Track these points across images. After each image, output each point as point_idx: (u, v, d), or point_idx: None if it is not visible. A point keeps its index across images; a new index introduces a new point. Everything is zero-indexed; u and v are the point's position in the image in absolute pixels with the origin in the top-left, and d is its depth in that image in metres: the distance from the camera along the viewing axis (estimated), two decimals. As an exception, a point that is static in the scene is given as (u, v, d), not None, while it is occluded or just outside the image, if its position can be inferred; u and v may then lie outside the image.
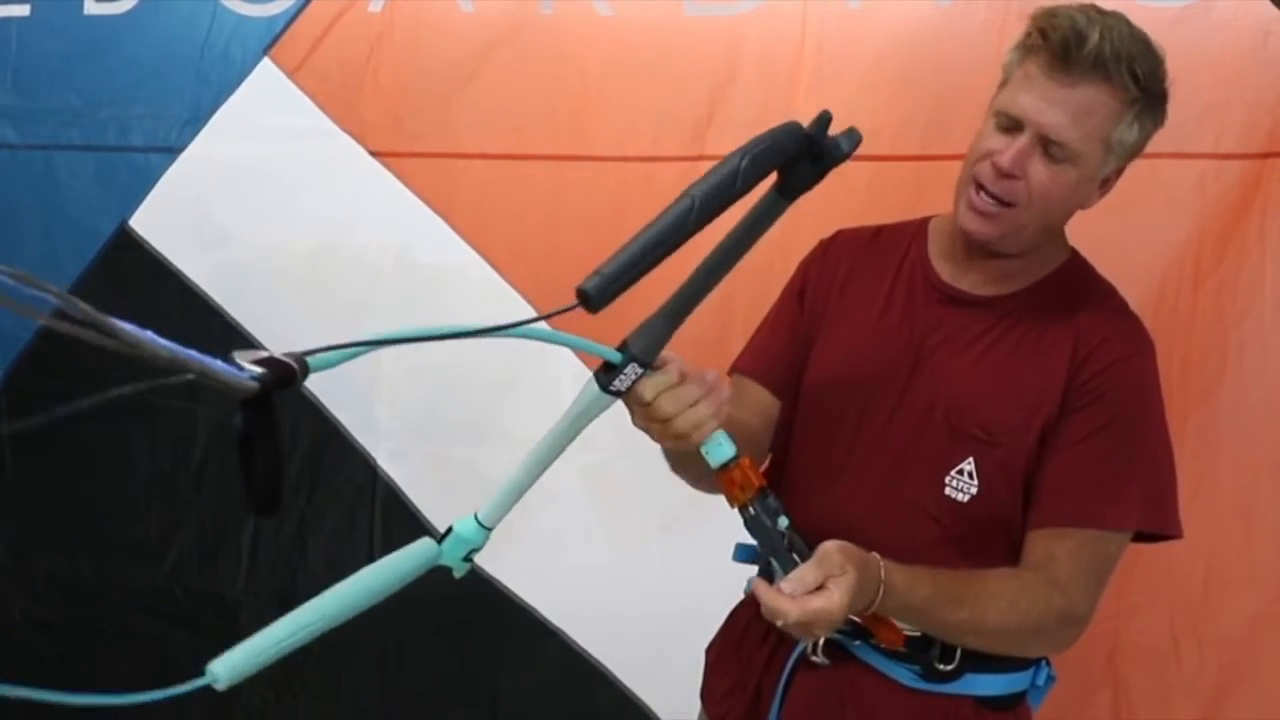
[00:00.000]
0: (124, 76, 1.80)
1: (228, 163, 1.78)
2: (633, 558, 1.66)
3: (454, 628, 1.78)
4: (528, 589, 1.72)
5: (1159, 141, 1.51)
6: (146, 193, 1.80)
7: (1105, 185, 1.02)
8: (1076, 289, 1.04)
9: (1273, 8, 1.45)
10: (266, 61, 1.75)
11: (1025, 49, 0.99)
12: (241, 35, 1.76)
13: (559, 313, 0.70)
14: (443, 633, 1.78)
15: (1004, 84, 1.01)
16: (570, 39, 1.68)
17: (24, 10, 1.82)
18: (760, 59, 1.63)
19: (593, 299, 0.66)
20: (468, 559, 0.82)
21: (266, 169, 1.78)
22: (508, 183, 1.73)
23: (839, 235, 1.16)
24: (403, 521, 1.80)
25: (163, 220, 1.81)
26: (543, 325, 0.73)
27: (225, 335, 1.81)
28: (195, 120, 1.78)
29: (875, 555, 0.90)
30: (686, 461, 0.97)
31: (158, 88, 1.79)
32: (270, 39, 1.75)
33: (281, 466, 0.55)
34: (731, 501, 0.87)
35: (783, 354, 1.11)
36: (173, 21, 1.78)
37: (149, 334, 0.50)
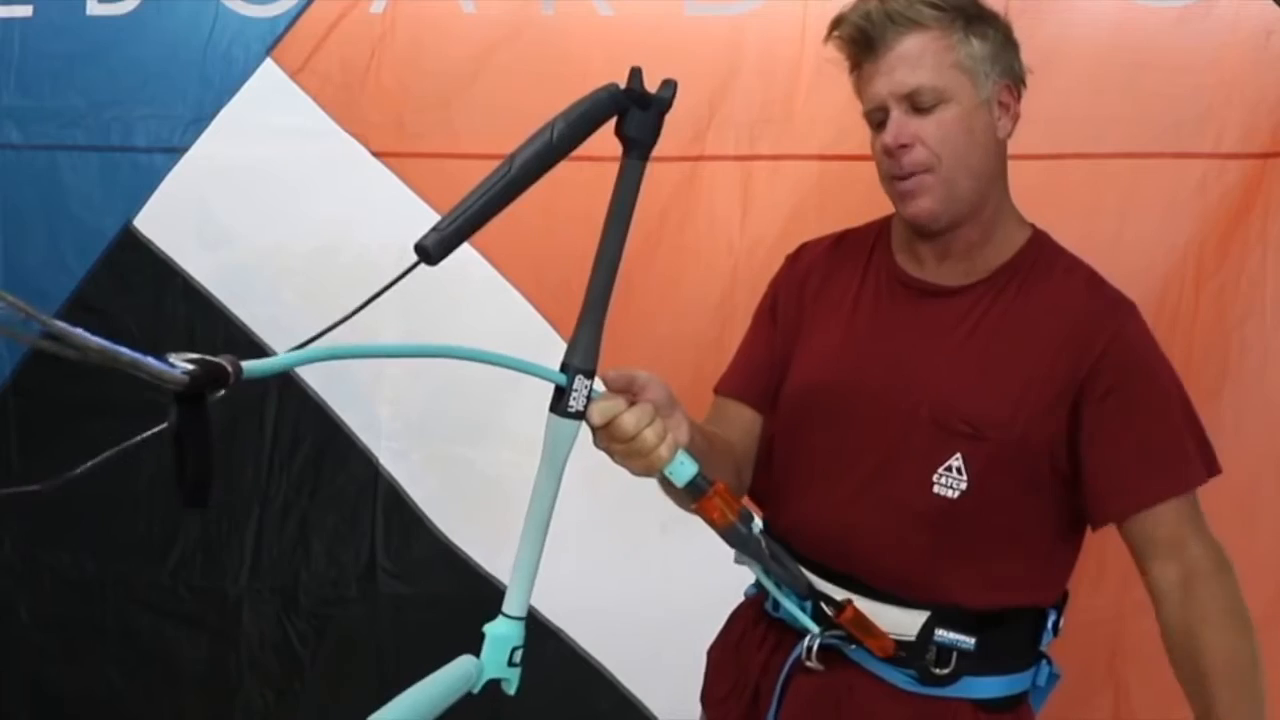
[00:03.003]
0: (127, 77, 1.81)
1: (231, 163, 1.79)
2: (632, 558, 1.66)
3: (454, 628, 1.78)
4: (528, 589, 1.72)
5: (1159, 141, 1.52)
6: (150, 193, 1.81)
7: (1005, 108, 1.03)
8: (1042, 268, 1.05)
9: (1273, 7, 1.45)
10: (269, 62, 1.76)
11: (849, 67, 1.04)
12: (244, 36, 1.76)
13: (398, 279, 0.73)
14: (443, 633, 1.79)
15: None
16: (571, 39, 1.68)
17: (27, 11, 1.83)
18: (760, 59, 1.63)
19: (433, 254, 0.71)
20: (515, 663, 0.79)
21: (269, 169, 1.78)
22: (509, 182, 1.74)
23: (803, 248, 1.17)
24: (404, 520, 1.80)
25: (167, 220, 1.82)
26: (513, 383, 0.74)
27: (229, 334, 1.81)
28: (198, 121, 1.79)
29: None
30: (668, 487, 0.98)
31: (161, 88, 1.79)
32: (272, 40, 1.76)
33: (211, 463, 0.56)
34: (715, 524, 0.88)
35: (760, 369, 1.12)
36: (175, 22, 1.79)
37: (79, 330, 0.51)
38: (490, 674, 0.78)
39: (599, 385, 0.81)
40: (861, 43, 1.01)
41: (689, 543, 1.64)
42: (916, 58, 0.98)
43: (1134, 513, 1.00)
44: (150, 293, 1.83)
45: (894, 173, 1.01)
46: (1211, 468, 1.03)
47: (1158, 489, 1.00)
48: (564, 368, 0.79)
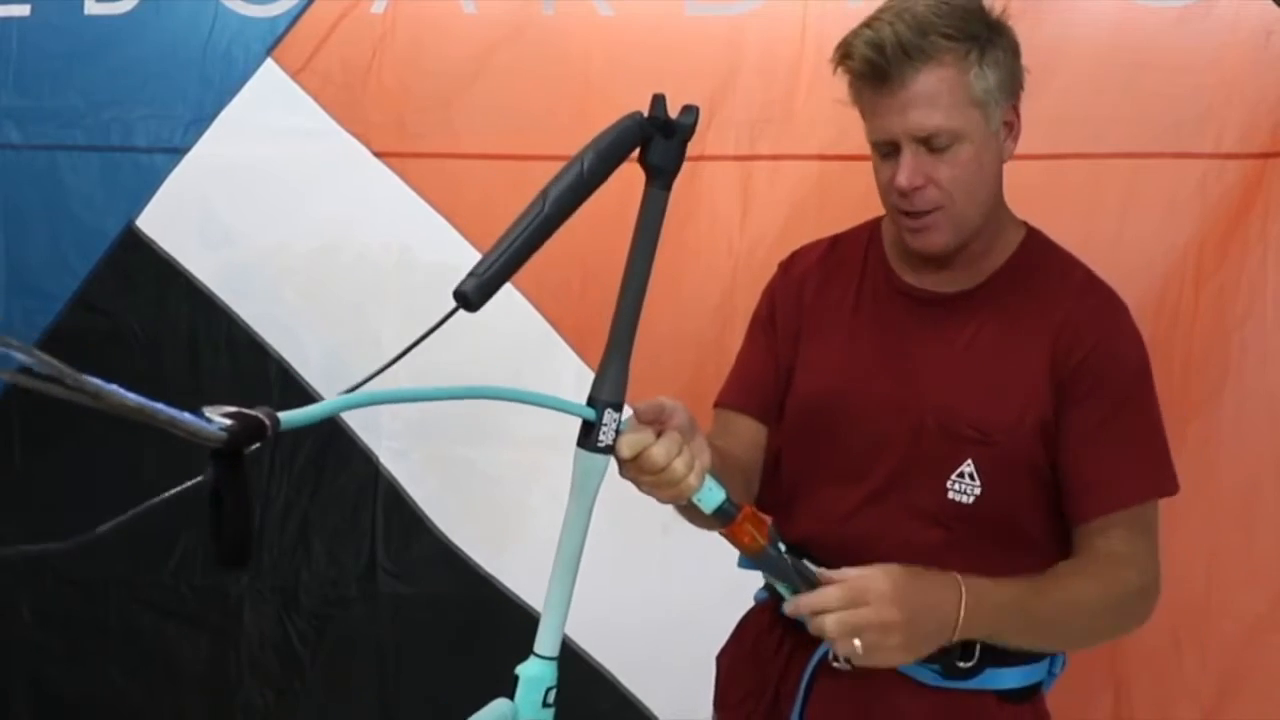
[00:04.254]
0: (126, 77, 1.81)
1: (232, 163, 1.79)
2: (633, 558, 1.66)
3: (454, 628, 1.79)
4: (528, 589, 1.73)
5: (1159, 141, 1.52)
6: (152, 193, 1.81)
7: (1010, 128, 1.02)
8: (1039, 269, 1.04)
9: (1273, 7, 1.45)
10: (269, 62, 1.76)
11: (850, 85, 1.00)
12: (244, 36, 1.76)
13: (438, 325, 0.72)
14: (443, 633, 1.79)
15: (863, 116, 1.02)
16: (572, 39, 1.69)
17: (24, 10, 1.83)
18: (760, 59, 1.63)
19: (472, 301, 0.69)
20: (549, 704, 0.79)
21: (270, 169, 1.79)
22: (510, 183, 1.74)
23: (796, 255, 1.16)
24: (404, 520, 1.80)
25: (169, 220, 1.83)
26: (516, 386, 0.74)
27: (231, 333, 1.82)
28: (199, 121, 1.79)
29: (949, 579, 0.90)
30: (685, 510, 0.98)
31: (160, 88, 1.79)
32: (273, 40, 1.76)
33: (250, 521, 0.55)
34: (744, 548, 0.88)
35: (761, 380, 1.11)
36: (174, 22, 1.79)
37: (114, 387, 0.49)
38: (526, 717, 0.78)
39: (626, 414, 0.80)
40: (872, 73, 0.96)
41: (689, 543, 1.63)
42: (932, 98, 0.95)
43: (1094, 518, 1.00)
44: (153, 292, 1.83)
45: (904, 208, 1.00)
46: (1170, 485, 1.02)
47: (1118, 496, 1.00)
48: (591, 401, 0.78)
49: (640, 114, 0.77)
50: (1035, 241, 1.06)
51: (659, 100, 0.78)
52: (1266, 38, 1.46)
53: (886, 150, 0.99)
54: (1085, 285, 1.04)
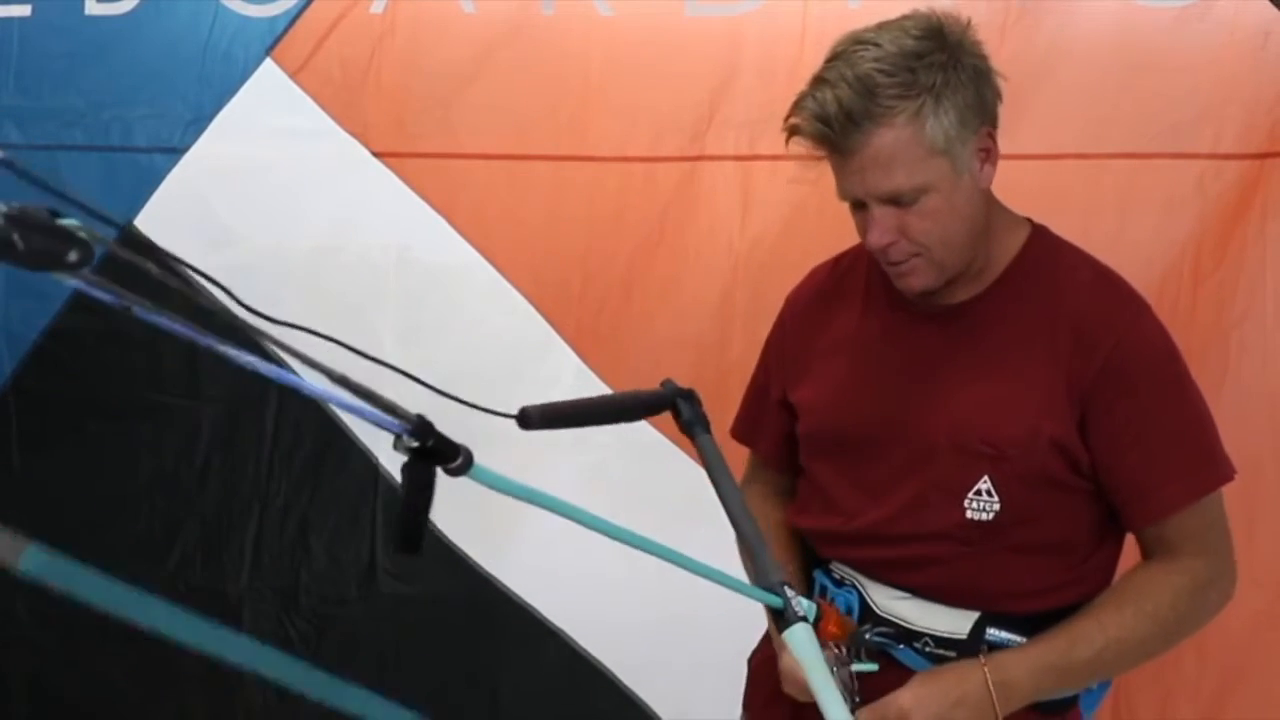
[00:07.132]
0: (126, 77, 1.81)
1: (231, 163, 1.79)
2: (632, 557, 1.66)
3: (454, 628, 1.78)
4: (528, 589, 1.73)
5: (1157, 141, 1.53)
6: (151, 193, 1.81)
7: (986, 154, 0.96)
8: (1047, 267, 1.01)
9: (1272, 8, 1.45)
10: (269, 62, 1.76)
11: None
12: (243, 36, 1.76)
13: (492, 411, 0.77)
14: (443, 633, 1.79)
15: None
16: (571, 39, 1.69)
17: (25, 10, 1.82)
18: (760, 59, 1.63)
19: (532, 421, 0.76)
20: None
21: (269, 169, 1.79)
22: (509, 183, 1.74)
23: (800, 285, 1.16)
24: (404, 520, 1.80)
25: (167, 220, 1.82)
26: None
27: (228, 335, 1.82)
28: (198, 121, 1.79)
29: (972, 663, 0.96)
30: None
31: (160, 88, 1.79)
32: (272, 40, 1.76)
33: (425, 521, 0.60)
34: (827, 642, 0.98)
35: (780, 430, 1.14)
36: (174, 22, 1.79)
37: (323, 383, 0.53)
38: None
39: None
40: (822, 142, 0.93)
41: (690, 542, 1.64)
42: (888, 160, 0.91)
43: (1150, 524, 0.99)
44: (150, 293, 1.83)
45: (881, 259, 0.99)
46: (1225, 471, 1.00)
47: (1171, 500, 0.98)
48: (768, 588, 0.79)
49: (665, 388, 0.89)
50: (1040, 241, 1.03)
51: (670, 381, 0.89)
52: (1264, 38, 1.47)
53: (855, 203, 0.98)
54: (1095, 283, 1.00)
